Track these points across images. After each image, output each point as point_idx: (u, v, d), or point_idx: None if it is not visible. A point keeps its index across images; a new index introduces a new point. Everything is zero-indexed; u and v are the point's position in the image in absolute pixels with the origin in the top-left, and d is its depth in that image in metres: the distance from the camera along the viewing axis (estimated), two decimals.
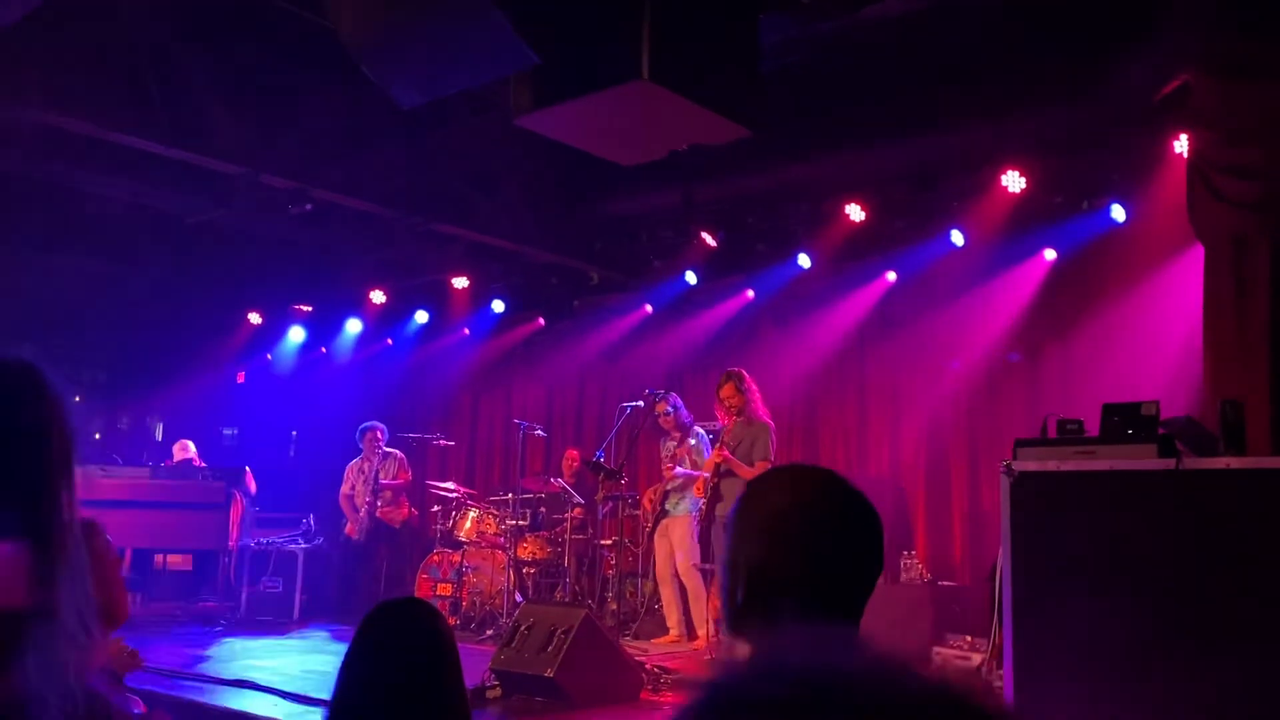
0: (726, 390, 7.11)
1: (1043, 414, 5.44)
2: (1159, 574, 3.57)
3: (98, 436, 13.34)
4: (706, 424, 7.88)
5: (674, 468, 7.77)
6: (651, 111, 4.58)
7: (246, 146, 7.32)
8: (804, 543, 1.29)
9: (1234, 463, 3.52)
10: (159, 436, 13.23)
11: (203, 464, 9.49)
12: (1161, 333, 6.86)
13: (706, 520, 7.17)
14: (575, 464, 9.32)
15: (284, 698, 5.39)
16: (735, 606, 1.33)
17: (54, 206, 8.64)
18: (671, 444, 7.87)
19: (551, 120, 4.80)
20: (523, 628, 5.66)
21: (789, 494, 1.33)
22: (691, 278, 9.34)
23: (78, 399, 13.31)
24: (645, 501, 8.27)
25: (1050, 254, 7.80)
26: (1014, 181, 7.32)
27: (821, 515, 1.31)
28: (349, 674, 2.01)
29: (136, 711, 3.01)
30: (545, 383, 10.81)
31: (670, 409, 7.70)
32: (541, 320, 10.77)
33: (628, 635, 7.74)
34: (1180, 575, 3.54)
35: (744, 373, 7.22)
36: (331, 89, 6.88)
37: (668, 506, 7.83)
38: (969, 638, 6.54)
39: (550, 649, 5.43)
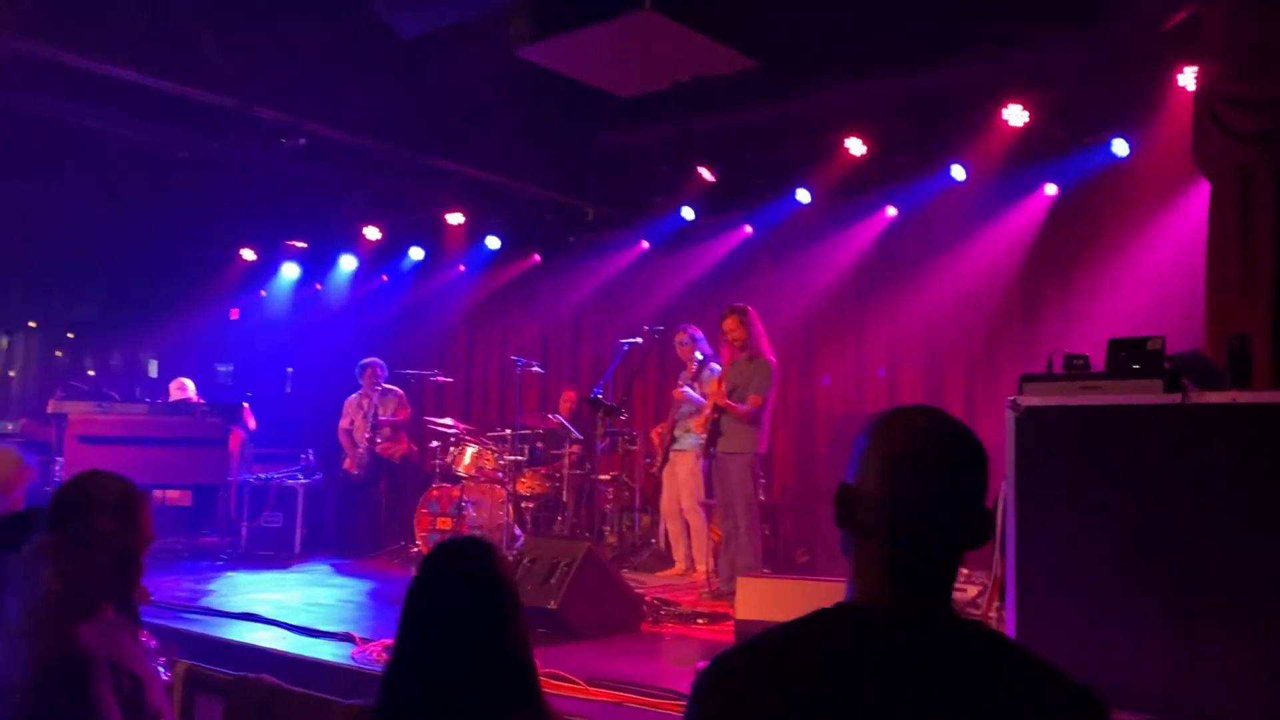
0: (729, 323, 6.90)
1: (1042, 351, 5.39)
2: (1164, 508, 3.60)
3: (91, 373, 13.32)
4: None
5: (684, 389, 7.68)
6: (654, 42, 4.51)
7: (238, 78, 7.18)
8: (887, 480, 1.34)
9: (1240, 397, 3.53)
10: (153, 373, 13.19)
11: (201, 401, 9.47)
12: (1163, 269, 6.84)
13: (707, 455, 7.13)
14: (572, 404, 9.31)
15: (290, 630, 5.44)
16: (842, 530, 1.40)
17: (46, 141, 8.49)
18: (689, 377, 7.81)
19: (552, 51, 4.73)
20: (526, 560, 5.71)
21: (898, 432, 1.37)
22: (689, 213, 9.27)
23: (70, 335, 13.30)
24: (654, 436, 8.23)
25: (1051, 189, 7.75)
26: (1016, 115, 7.25)
27: (915, 454, 1.34)
28: (412, 613, 2.01)
29: (151, 646, 3.05)
30: (541, 320, 10.77)
31: (689, 339, 7.63)
32: (538, 257, 10.70)
33: (627, 568, 7.81)
34: (1186, 509, 3.57)
35: (749, 308, 6.98)
36: (324, 20, 6.74)
37: (676, 433, 7.77)
38: (965, 570, 6.61)
39: (554, 581, 5.48)
